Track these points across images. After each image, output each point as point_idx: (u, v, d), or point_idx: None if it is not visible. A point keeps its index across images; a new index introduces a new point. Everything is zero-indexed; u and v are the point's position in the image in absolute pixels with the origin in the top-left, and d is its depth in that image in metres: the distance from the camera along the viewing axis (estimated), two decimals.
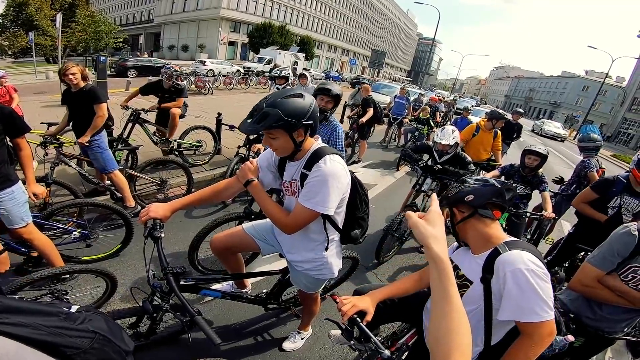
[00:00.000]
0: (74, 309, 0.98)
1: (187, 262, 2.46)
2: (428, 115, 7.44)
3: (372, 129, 6.46)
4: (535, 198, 3.36)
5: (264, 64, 23.86)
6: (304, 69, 27.99)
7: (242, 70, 20.88)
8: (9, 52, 32.36)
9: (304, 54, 32.92)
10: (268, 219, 1.78)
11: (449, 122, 11.20)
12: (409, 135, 7.73)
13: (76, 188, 2.95)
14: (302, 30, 45.34)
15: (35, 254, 2.34)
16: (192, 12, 41.77)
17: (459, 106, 14.66)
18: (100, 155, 3.09)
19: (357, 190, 1.60)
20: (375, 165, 6.56)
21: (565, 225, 4.93)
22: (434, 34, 32.76)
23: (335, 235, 1.62)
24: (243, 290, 2.30)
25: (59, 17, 9.93)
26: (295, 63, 26.01)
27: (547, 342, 1.06)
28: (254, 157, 3.82)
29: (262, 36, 34.30)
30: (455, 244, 1.42)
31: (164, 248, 1.43)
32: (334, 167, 1.36)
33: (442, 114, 9.86)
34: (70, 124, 3.19)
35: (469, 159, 3.39)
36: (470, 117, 8.84)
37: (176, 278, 1.42)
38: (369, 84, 8.02)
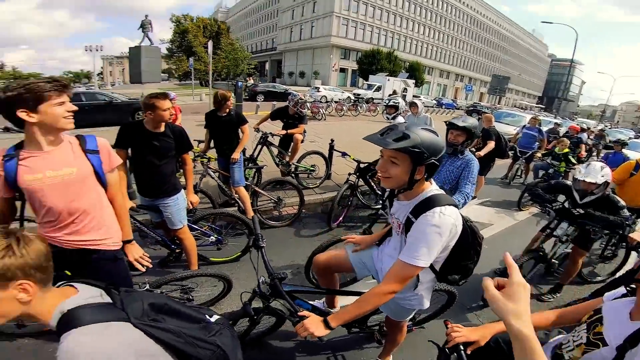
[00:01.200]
0: (214, 318, 1.09)
1: (302, 276, 2.65)
2: (567, 150, 6.21)
3: (492, 164, 5.72)
4: None
5: (373, 91, 24.43)
6: (414, 96, 27.51)
7: (352, 97, 21.82)
8: (175, 75, 40.01)
9: (413, 80, 32.40)
10: (372, 249, 1.84)
11: (596, 158, 9.15)
12: (540, 172, 6.55)
13: (214, 198, 3.58)
14: (411, 56, 45.27)
15: (178, 250, 2.81)
16: (307, 41, 46.34)
17: (610, 138, 11.89)
18: (238, 171, 3.61)
19: (468, 239, 1.48)
20: (493, 204, 5.79)
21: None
22: (572, 54, 27.87)
23: (430, 277, 1.56)
24: (332, 310, 2.31)
25: (210, 44, 11.88)
26: (405, 90, 25.80)
27: None
28: (356, 185, 3.95)
29: (371, 62, 35.29)
30: (620, 292, 1.14)
31: (267, 257, 1.62)
32: (444, 222, 1.28)
33: (587, 147, 8.12)
34: (211, 142, 3.76)
35: (622, 202, 2.73)
36: (626, 151, 6.99)
37: (280, 282, 1.58)
38: (490, 113, 7.21)
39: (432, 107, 28.38)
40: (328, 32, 41.59)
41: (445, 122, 2.74)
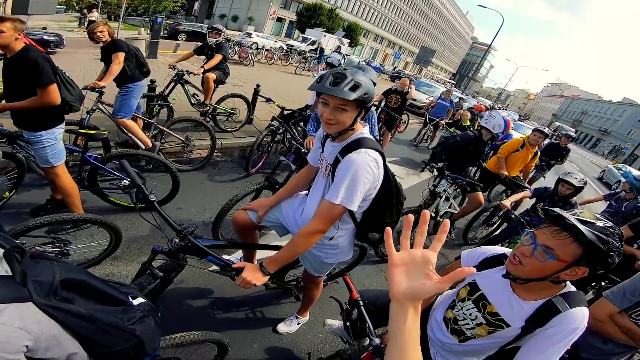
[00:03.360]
0: (137, 302, 0.96)
1: (210, 233, 2.47)
2: (468, 123, 7.13)
3: (396, 122, 6.30)
4: None
5: (308, 44, 23.66)
6: (345, 55, 27.50)
7: (285, 47, 20.83)
8: (77, 8, 33.28)
9: (348, 40, 32.29)
10: (285, 201, 1.79)
11: None
12: (444, 138, 7.46)
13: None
14: (351, 16, 44.43)
15: (59, 197, 2.46)
16: None
17: None
18: (118, 100, 3.25)
19: (392, 194, 1.50)
20: (402, 163, 6.43)
21: None
22: (491, 39, 30.85)
23: (349, 226, 1.56)
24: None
25: None
26: (339, 48, 25.57)
27: None
28: (276, 131, 3.90)
29: (311, 16, 33.95)
30: (482, 256, 1.24)
31: (165, 212, 1.35)
32: (365, 160, 1.31)
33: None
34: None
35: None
36: (511, 131, 8.38)
37: (193, 237, 1.39)
38: (411, 80, 7.74)
39: (359, 63, 28.94)
40: None
41: None
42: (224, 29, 4.68)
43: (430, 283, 0.56)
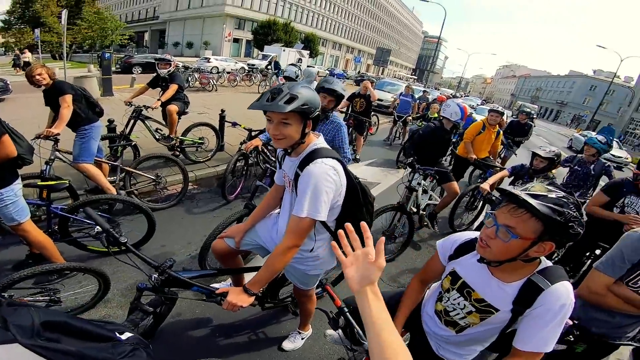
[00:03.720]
0: (125, 336, 0.93)
1: (196, 262, 2.44)
2: (436, 114, 7.36)
3: (366, 125, 6.39)
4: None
5: (268, 61, 23.80)
6: (308, 66, 27.86)
7: (246, 68, 20.86)
8: (16, 49, 32.58)
9: (308, 52, 32.77)
10: (260, 223, 1.82)
11: None
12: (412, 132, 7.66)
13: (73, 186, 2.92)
14: (307, 28, 45.24)
15: (36, 250, 2.35)
16: (197, 9, 41.84)
17: None
18: (77, 145, 3.08)
19: (359, 197, 1.52)
20: (379, 164, 6.51)
21: None
22: (439, 32, 32.26)
23: (325, 235, 1.58)
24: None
25: (64, 14, 9.85)
26: (300, 60, 25.92)
27: None
28: (251, 155, 3.86)
29: (267, 33, 34.25)
30: (456, 244, 1.25)
31: (140, 252, 1.39)
32: (323, 169, 1.33)
33: None
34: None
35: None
36: (475, 115, 8.74)
37: (171, 270, 1.42)
38: (374, 82, 7.94)
39: (326, 77, 29.47)
40: (222, 1, 38.13)
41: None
42: (172, 58, 4.62)
43: (370, 265, 0.75)
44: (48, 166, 2.64)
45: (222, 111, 5.07)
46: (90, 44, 29.41)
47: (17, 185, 2.07)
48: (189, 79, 12.23)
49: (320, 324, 2.26)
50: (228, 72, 15.96)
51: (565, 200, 0.94)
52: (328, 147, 1.46)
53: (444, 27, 28.90)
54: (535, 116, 5.81)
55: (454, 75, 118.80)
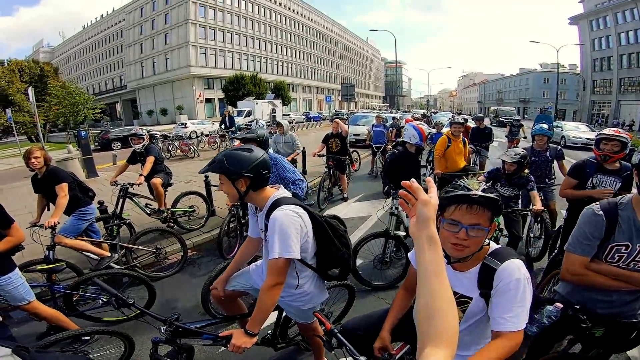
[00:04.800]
0: None
1: (202, 313, 2.65)
2: None
3: (345, 163, 6.55)
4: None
5: (244, 117, 24.33)
6: (283, 115, 28.80)
7: (224, 127, 21.33)
8: None
9: (280, 100, 33.82)
10: (253, 269, 1.99)
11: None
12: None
13: (78, 266, 3.19)
14: (274, 77, 47.05)
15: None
16: (163, 74, 42.83)
17: (434, 121, 15.21)
18: (71, 221, 3.32)
19: (328, 232, 1.69)
20: (368, 197, 6.64)
21: (563, 213, 5.05)
22: (395, 56, 34.45)
23: (307, 272, 1.72)
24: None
25: (30, 91, 9.56)
26: (274, 110, 26.68)
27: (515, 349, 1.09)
28: (236, 211, 3.98)
29: (237, 88, 34.99)
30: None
31: (150, 310, 1.60)
32: (285, 212, 1.51)
33: None
34: (48, 207, 3.38)
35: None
36: (444, 130, 9.21)
37: (179, 322, 1.57)
38: (345, 119, 8.34)
39: (302, 122, 30.53)
40: (186, 63, 39.64)
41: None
42: (144, 131, 4.79)
43: (417, 204, 0.76)
44: (50, 252, 2.81)
45: (206, 177, 5.22)
46: (64, 121, 27.81)
47: (16, 274, 2.26)
48: (170, 148, 12.36)
49: (336, 355, 2.28)
50: (206, 135, 16.20)
51: (486, 186, 1.15)
52: (288, 195, 1.66)
53: (399, 50, 31.00)
54: (520, 120, 5.97)
55: (422, 94, 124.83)
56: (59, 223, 2.95)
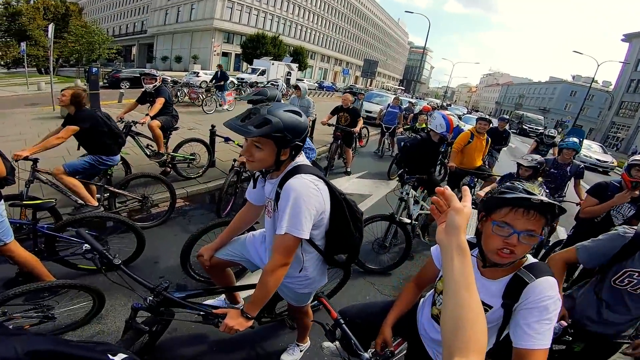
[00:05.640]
0: (118, 357, 0.88)
1: (183, 273, 2.46)
2: (424, 125, 7.52)
3: (355, 137, 6.48)
4: None
5: (257, 75, 23.97)
6: (297, 79, 28.19)
7: (236, 82, 20.97)
8: (2, 63, 32.05)
9: (297, 65, 33.20)
10: (249, 239, 1.83)
11: None
12: (402, 144, 7.77)
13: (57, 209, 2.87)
14: (295, 41, 45.87)
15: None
16: (185, 23, 42.05)
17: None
18: (82, 163, 3.14)
19: (345, 213, 1.49)
20: (370, 175, 6.58)
21: (560, 230, 5.00)
22: (424, 42, 33.08)
23: (313, 254, 1.56)
24: (236, 306, 2.25)
25: (50, 28, 9.72)
26: (289, 73, 26.17)
27: None
28: (241, 170, 3.88)
29: (256, 47, 34.55)
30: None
31: (133, 273, 1.40)
32: (303, 183, 1.29)
33: None
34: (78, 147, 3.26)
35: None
36: (461, 124, 8.99)
37: (167, 292, 1.43)
38: (363, 93, 8.08)
39: (315, 89, 29.94)
40: (211, 15, 38.39)
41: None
42: (158, 72, 4.62)
43: (450, 211, 0.74)
44: (27, 188, 2.64)
45: (213, 127, 5.09)
46: (77, 58, 28.74)
47: (1, 206, 2.03)
48: (178, 93, 12.19)
49: (318, 336, 2.25)
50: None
51: (546, 190, 1.06)
52: (309, 163, 1.44)
53: (429, 37, 29.77)
54: (554, 135, 5.58)
55: (440, 85, 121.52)
56: (35, 160, 2.76)
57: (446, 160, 5.47)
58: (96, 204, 3.20)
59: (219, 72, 12.42)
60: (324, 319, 1.59)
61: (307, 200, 1.28)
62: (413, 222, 3.61)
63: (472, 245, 1.24)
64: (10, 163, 2.16)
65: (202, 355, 2.11)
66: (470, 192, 4.55)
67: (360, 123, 6.02)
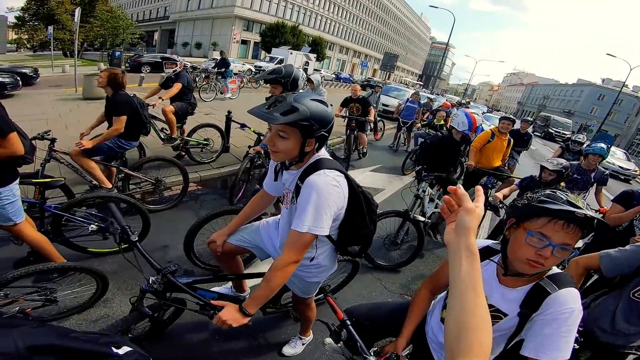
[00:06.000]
0: (122, 351, 0.87)
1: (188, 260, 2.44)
2: (442, 122, 7.33)
3: (368, 124, 6.43)
4: None
5: (275, 63, 23.91)
6: (314, 70, 27.98)
7: (254, 69, 20.98)
8: (28, 46, 33.04)
9: (315, 55, 32.91)
10: (258, 222, 1.82)
11: None
12: (419, 140, 7.59)
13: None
14: (315, 31, 45.50)
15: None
16: (206, 10, 42.33)
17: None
18: (104, 146, 3.13)
19: (362, 206, 1.47)
20: (384, 170, 6.48)
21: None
22: (447, 38, 32.16)
23: (327, 245, 1.55)
24: (242, 294, 2.24)
25: (77, 12, 9.98)
26: (307, 64, 26.01)
27: None
28: (255, 158, 3.84)
29: (275, 36, 34.39)
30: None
31: (146, 252, 1.40)
32: (326, 181, 1.26)
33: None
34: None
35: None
36: (483, 125, 8.70)
37: (173, 276, 1.42)
38: (381, 86, 7.92)
39: (332, 80, 29.65)
40: (232, 3, 38.54)
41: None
42: (179, 58, 4.63)
43: (460, 211, 0.71)
44: (42, 167, 2.64)
45: (229, 112, 5.07)
46: (102, 42, 29.57)
47: (16, 186, 2.04)
48: (197, 79, 12.26)
49: (322, 329, 2.22)
50: (235, 74, 16.04)
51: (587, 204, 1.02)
52: (330, 158, 1.42)
53: (452, 33, 28.90)
54: (583, 141, 5.19)
55: (461, 82, 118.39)
56: (53, 139, 2.80)
57: (463, 159, 5.30)
58: (110, 185, 3.22)
59: (221, 59, 11.96)
60: (327, 316, 1.58)
61: (329, 197, 1.26)
62: (426, 220, 3.53)
63: (493, 252, 1.19)
64: (31, 142, 2.18)
65: (203, 342, 2.11)
66: (487, 193, 4.41)
67: (373, 111, 6.00)
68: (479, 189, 0.76)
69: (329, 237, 1.49)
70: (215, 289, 2.20)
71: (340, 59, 56.50)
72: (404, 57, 71.75)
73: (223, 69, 11.35)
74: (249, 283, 2.30)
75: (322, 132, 1.27)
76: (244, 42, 41.40)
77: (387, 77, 45.67)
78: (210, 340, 2.13)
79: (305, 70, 21.09)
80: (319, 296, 1.95)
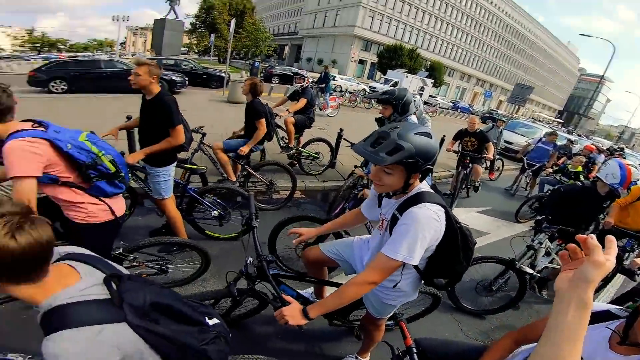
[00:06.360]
0: (212, 322, 1.00)
1: (294, 263, 2.72)
2: (580, 168, 6.08)
3: (485, 161, 5.59)
4: None
5: (390, 86, 24.02)
6: (430, 96, 26.96)
7: (368, 90, 21.53)
8: (195, 50, 38.81)
9: (432, 80, 31.75)
10: (352, 238, 1.90)
11: None
12: (546, 187, 6.43)
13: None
14: (433, 55, 44.35)
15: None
16: (330, 28, 45.49)
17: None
18: (240, 144, 3.62)
19: (458, 241, 1.42)
20: (494, 213, 5.72)
21: None
22: (603, 70, 26.84)
23: (412, 272, 1.53)
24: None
25: (232, 22, 11.44)
26: (422, 89, 25.25)
27: None
28: (359, 181, 3.87)
29: (392, 57, 34.45)
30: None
31: (258, 239, 1.60)
32: (427, 215, 1.26)
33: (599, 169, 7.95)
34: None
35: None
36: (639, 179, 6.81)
37: (267, 265, 1.57)
38: (505, 121, 7.06)
39: (448, 109, 27.93)
40: (352, 22, 40.85)
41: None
42: (307, 73, 5.07)
43: (585, 261, 0.64)
44: (192, 155, 3.20)
45: (341, 130, 5.33)
46: (246, 52, 33.69)
47: (173, 167, 2.56)
48: (317, 94, 13.30)
49: (379, 354, 2.16)
50: (350, 92, 16.79)
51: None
52: (432, 191, 1.40)
53: (611, 64, 23.90)
54: None
55: (616, 122, 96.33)
56: (204, 134, 3.43)
57: (601, 216, 4.26)
58: (234, 179, 3.75)
59: (323, 73, 11.71)
60: (392, 340, 1.55)
61: (427, 230, 1.27)
62: (535, 274, 3.01)
63: (612, 317, 1.05)
64: (191, 134, 2.73)
65: (268, 335, 2.23)
66: (625, 257, 3.50)
67: (492, 147, 5.32)
68: (612, 239, 0.67)
69: (415, 266, 1.47)
70: (299, 291, 2.33)
71: (460, 86, 53.24)
72: (540, 89, 62.80)
73: (323, 85, 11.29)
74: (329, 291, 2.36)
75: (426, 166, 1.27)
76: (361, 61, 43.03)
77: (515, 111, 40.65)
78: (271, 335, 2.24)
79: (421, 95, 20.52)
80: (390, 322, 1.88)
